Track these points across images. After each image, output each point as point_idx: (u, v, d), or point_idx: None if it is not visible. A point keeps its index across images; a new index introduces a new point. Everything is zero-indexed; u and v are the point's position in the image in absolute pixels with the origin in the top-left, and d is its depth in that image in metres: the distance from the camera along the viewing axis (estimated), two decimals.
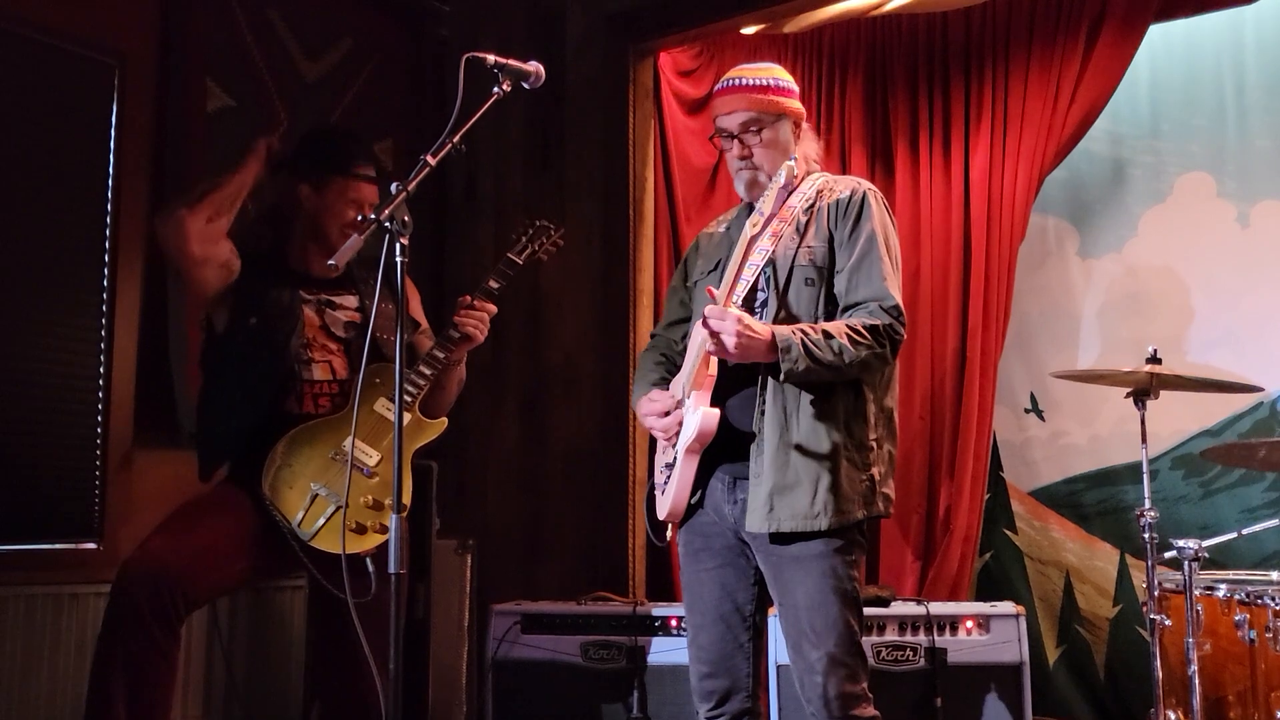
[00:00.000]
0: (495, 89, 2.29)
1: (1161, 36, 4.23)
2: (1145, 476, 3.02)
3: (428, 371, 2.84)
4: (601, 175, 4.31)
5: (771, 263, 2.45)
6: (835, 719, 2.37)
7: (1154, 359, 3.03)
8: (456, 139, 2.21)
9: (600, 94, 4.34)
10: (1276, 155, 4.11)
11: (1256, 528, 2.92)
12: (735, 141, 2.54)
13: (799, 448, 2.38)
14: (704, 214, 4.36)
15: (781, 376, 2.33)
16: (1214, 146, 4.22)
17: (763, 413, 2.41)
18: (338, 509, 2.69)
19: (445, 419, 2.93)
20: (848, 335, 2.34)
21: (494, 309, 2.95)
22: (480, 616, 3.78)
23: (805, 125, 2.59)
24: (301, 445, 2.78)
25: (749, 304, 2.46)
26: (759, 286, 2.48)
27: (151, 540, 2.65)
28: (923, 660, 3.30)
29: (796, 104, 2.57)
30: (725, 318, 2.27)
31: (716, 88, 2.63)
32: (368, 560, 2.67)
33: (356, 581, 2.62)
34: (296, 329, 2.85)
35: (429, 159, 2.19)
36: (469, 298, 2.91)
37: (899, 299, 2.43)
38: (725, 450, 2.46)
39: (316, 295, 2.94)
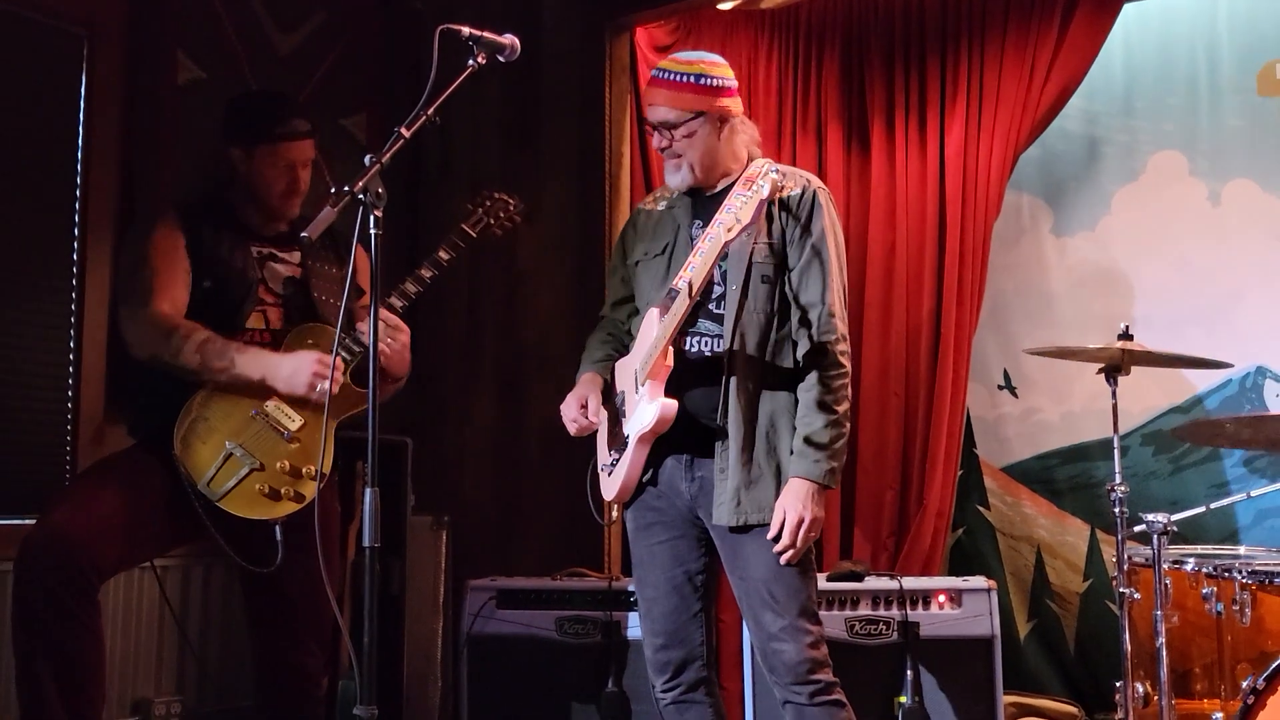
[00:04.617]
0: (470, 61, 2.28)
1: (1136, 15, 4.24)
2: (1116, 452, 3.05)
3: (365, 340, 2.68)
4: (577, 150, 4.30)
5: (725, 255, 2.49)
6: (798, 684, 2.41)
7: (1125, 336, 3.05)
8: (431, 111, 2.20)
9: (576, 69, 4.32)
10: (1248, 135, 4.13)
11: (1224, 502, 2.96)
12: (656, 134, 2.59)
13: (761, 442, 2.49)
14: None
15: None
16: (1187, 125, 4.24)
17: (726, 409, 2.48)
18: (252, 472, 2.61)
19: None
20: (834, 402, 2.48)
21: (406, 330, 2.82)
22: (456, 592, 3.79)
23: (735, 120, 2.59)
24: (221, 398, 2.65)
25: (705, 297, 2.52)
26: (714, 280, 2.53)
27: (53, 512, 2.55)
28: (895, 634, 3.33)
29: (721, 101, 2.57)
30: (791, 539, 2.41)
31: (650, 76, 2.66)
32: (276, 529, 2.59)
33: (264, 550, 2.61)
34: (250, 293, 2.77)
35: (403, 131, 2.18)
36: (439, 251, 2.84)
37: (840, 305, 2.53)
38: (685, 439, 2.52)
39: (262, 249, 2.84)
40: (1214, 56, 4.20)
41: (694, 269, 2.43)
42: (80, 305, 3.48)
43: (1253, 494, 2.96)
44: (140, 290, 2.69)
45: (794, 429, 2.48)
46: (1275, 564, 2.85)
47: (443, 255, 2.85)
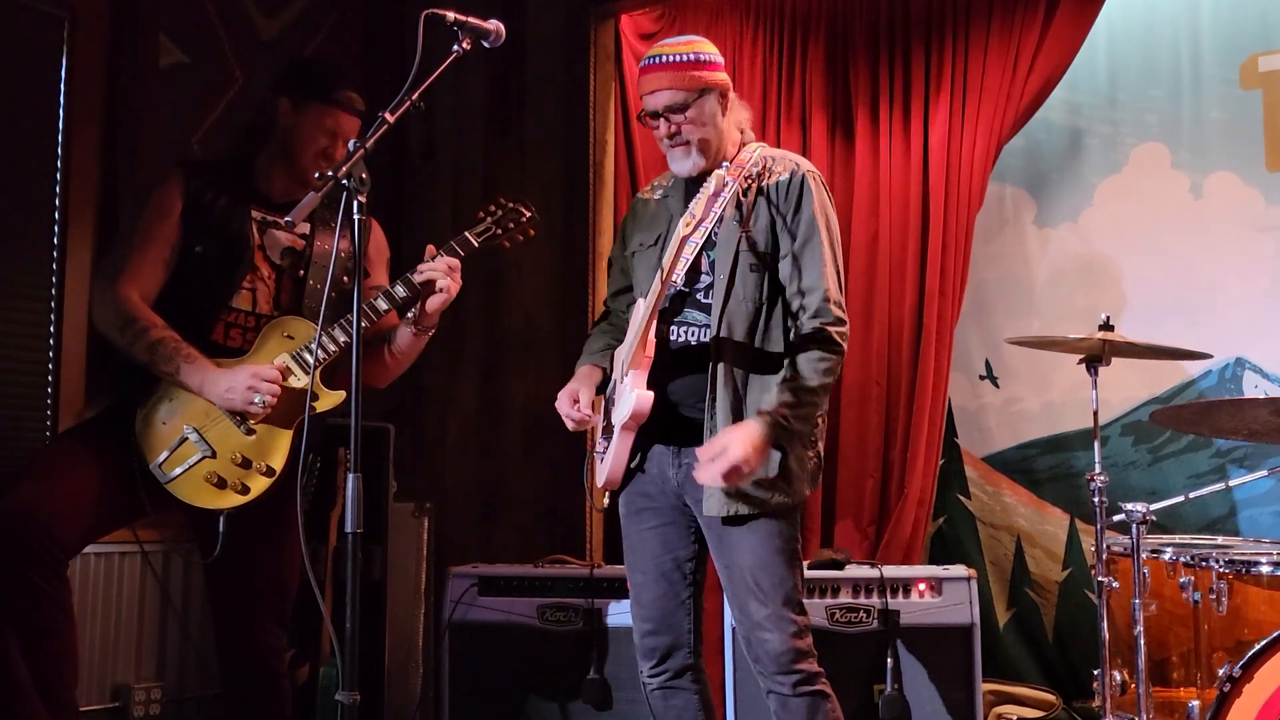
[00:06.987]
0: (455, 47, 2.27)
1: (1120, 7, 4.25)
2: (1096, 442, 3.06)
3: (341, 338, 2.63)
4: (562, 137, 4.29)
5: (712, 244, 2.48)
6: (781, 674, 2.42)
7: (1106, 326, 3.06)
8: (415, 97, 2.19)
9: (561, 56, 4.31)
10: (1230, 127, 4.15)
11: (1202, 491, 2.97)
12: (661, 120, 2.51)
13: None
14: None
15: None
16: (1169, 117, 4.26)
17: (713, 400, 2.45)
18: (203, 458, 2.59)
19: (343, 392, 2.66)
20: (814, 374, 2.41)
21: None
22: (437, 579, 3.79)
23: (732, 95, 2.58)
24: None
25: (690, 284, 2.51)
26: (702, 269, 2.51)
27: (19, 488, 2.52)
28: (876, 622, 3.34)
29: (721, 75, 2.55)
30: (721, 468, 2.32)
31: (640, 65, 2.58)
32: (220, 519, 2.58)
33: (206, 538, 2.62)
34: (244, 260, 2.72)
35: (387, 116, 2.17)
36: (434, 248, 2.71)
37: (836, 288, 2.49)
38: (670, 429, 2.51)
39: (265, 215, 2.77)
40: (1197, 49, 4.22)
41: (666, 261, 2.43)
42: (60, 290, 3.46)
43: (1231, 484, 2.98)
44: (114, 266, 2.69)
45: None
46: (1252, 554, 2.87)
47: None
